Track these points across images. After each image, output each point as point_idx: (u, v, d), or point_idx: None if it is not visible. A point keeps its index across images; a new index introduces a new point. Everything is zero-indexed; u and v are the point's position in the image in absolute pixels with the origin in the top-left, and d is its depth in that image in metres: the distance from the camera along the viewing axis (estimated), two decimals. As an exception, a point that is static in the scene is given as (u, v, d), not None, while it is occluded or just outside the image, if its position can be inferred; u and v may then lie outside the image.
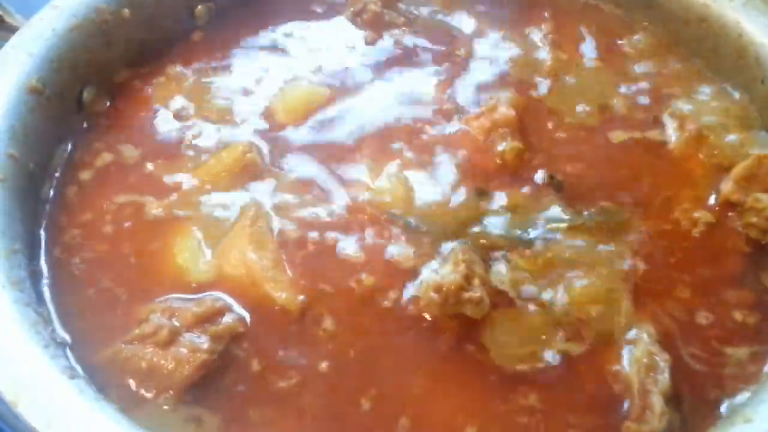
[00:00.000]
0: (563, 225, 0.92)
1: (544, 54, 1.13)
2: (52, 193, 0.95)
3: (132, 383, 0.77)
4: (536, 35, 1.16)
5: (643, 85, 1.08)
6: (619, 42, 1.15)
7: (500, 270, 0.88)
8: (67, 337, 0.80)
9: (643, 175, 0.99)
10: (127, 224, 0.93)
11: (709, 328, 0.85)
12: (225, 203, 0.95)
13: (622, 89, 1.08)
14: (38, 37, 0.98)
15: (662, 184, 0.98)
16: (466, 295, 0.84)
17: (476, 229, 0.93)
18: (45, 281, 0.85)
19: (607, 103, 1.06)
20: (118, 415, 0.68)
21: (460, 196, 0.96)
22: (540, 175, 0.97)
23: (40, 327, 0.74)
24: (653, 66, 1.12)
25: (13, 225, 0.82)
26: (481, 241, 0.91)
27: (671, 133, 1.02)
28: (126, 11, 1.06)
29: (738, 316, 0.86)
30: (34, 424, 0.63)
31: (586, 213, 0.94)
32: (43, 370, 0.69)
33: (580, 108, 1.06)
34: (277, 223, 0.93)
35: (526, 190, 0.97)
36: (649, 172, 0.99)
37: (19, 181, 0.87)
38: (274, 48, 1.15)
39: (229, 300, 0.85)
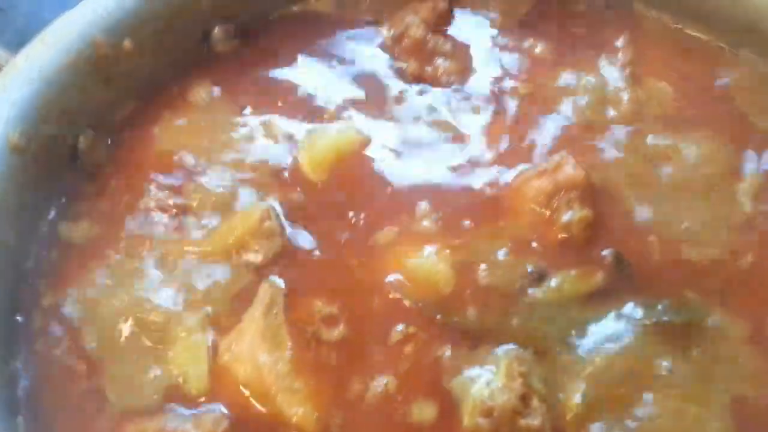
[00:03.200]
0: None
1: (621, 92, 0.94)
2: (34, 266, 0.82)
3: None
4: (610, 67, 0.97)
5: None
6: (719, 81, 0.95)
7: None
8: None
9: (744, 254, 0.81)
10: (119, 304, 0.78)
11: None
12: (234, 284, 0.80)
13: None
14: (22, 80, 0.84)
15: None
16: (523, 422, 0.69)
17: (531, 325, 0.76)
18: (22, 385, 0.73)
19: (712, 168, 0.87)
20: None
21: (514, 280, 0.79)
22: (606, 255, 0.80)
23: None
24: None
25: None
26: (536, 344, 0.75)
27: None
28: (127, 43, 0.91)
29: None
30: None
31: (660, 307, 0.77)
32: None
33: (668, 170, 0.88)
34: (296, 313, 0.77)
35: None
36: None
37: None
38: (299, 83, 0.98)
39: (233, 418, 0.71)
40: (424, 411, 0.72)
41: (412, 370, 0.74)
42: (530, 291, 0.79)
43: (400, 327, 0.76)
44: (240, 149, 0.91)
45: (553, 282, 0.79)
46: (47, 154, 0.85)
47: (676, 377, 0.72)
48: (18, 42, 0.88)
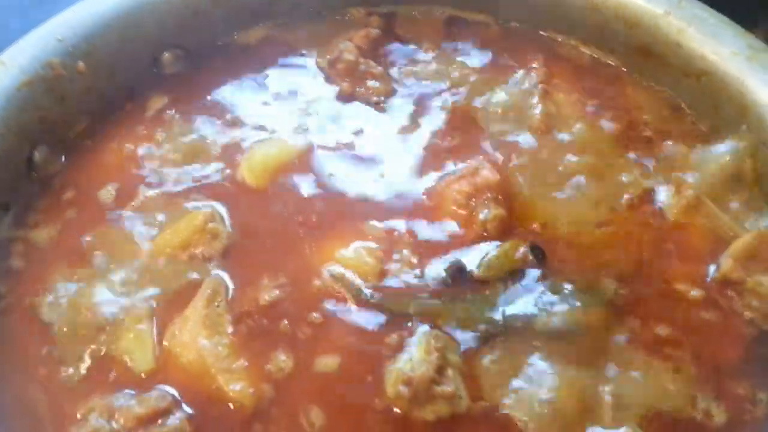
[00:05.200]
0: (546, 307, 0.84)
1: (534, 107, 1.05)
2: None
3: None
4: (525, 83, 1.07)
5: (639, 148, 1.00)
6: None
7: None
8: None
9: (636, 246, 0.91)
10: (71, 301, 0.85)
11: (706, 420, 0.77)
12: (179, 279, 0.87)
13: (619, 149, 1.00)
14: (-19, 96, 0.91)
15: (656, 256, 0.90)
16: (438, 389, 0.76)
17: (455, 308, 0.85)
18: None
19: (596, 160, 0.98)
20: None
21: (437, 270, 0.88)
22: (521, 248, 0.89)
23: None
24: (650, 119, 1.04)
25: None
26: (460, 324, 0.83)
27: (668, 199, 0.94)
28: (81, 64, 0.99)
29: (738, 413, 0.78)
30: None
31: (567, 289, 0.86)
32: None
33: (565, 166, 0.98)
34: (235, 304, 0.85)
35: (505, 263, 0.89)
36: (643, 241, 0.91)
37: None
38: (242, 101, 1.07)
39: (177, 395, 0.77)
40: (352, 385, 0.79)
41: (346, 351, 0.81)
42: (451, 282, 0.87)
43: (332, 308, 0.84)
44: (186, 160, 0.99)
45: (481, 264, 0.87)
46: (4, 165, 0.92)
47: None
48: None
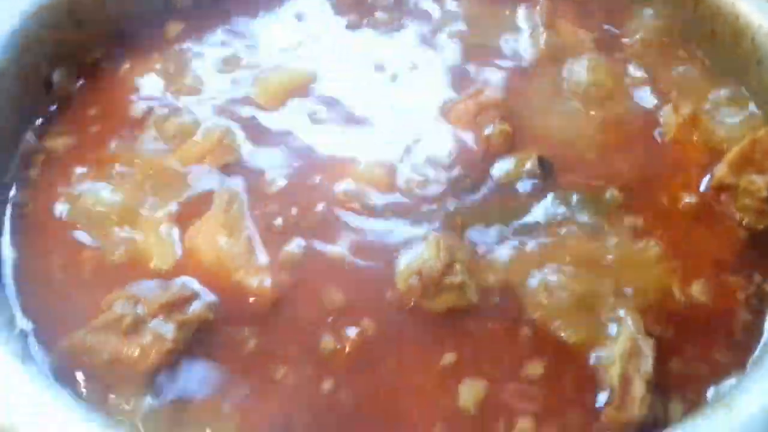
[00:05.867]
0: (554, 213, 0.88)
1: (538, 36, 1.09)
2: (17, 174, 0.91)
3: (93, 374, 0.73)
4: (530, 17, 1.11)
5: (640, 73, 1.04)
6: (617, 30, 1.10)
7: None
8: (29, 324, 0.77)
9: (635, 160, 0.95)
10: (93, 207, 0.88)
11: (700, 314, 0.81)
12: (197, 188, 0.91)
13: (619, 74, 1.04)
14: (5, 15, 0.94)
15: (655, 169, 0.94)
16: (447, 280, 0.80)
17: (463, 216, 0.88)
18: (8, 263, 0.82)
19: (602, 84, 1.01)
20: (73, 402, 0.64)
21: (446, 182, 0.92)
22: (529, 159, 0.92)
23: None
24: (649, 51, 1.08)
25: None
26: (468, 229, 0.87)
27: (666, 116, 0.98)
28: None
29: (729, 302, 0.82)
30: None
31: (575, 198, 0.90)
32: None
33: (572, 90, 1.02)
34: (251, 210, 0.88)
35: (514, 174, 0.92)
36: (642, 156, 0.95)
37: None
38: (252, 32, 1.10)
39: (198, 287, 0.81)
40: (365, 276, 0.83)
41: (359, 243, 0.85)
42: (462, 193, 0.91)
43: (345, 215, 0.87)
44: (200, 85, 1.02)
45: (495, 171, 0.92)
46: (24, 83, 0.95)
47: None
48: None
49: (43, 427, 0.63)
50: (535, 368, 0.76)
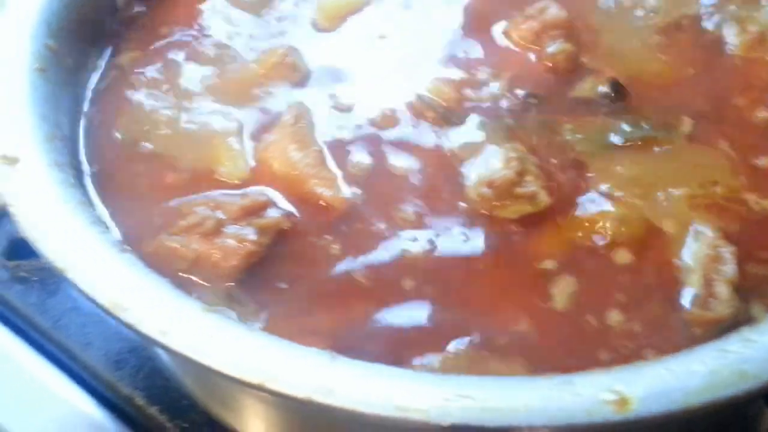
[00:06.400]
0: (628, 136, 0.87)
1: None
2: (87, 92, 0.92)
3: (179, 273, 0.75)
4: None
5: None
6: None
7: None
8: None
9: (705, 81, 0.94)
10: (166, 123, 0.89)
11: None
12: (266, 103, 0.92)
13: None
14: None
15: (726, 89, 0.93)
16: (519, 190, 0.81)
17: (530, 129, 0.89)
18: (87, 175, 0.83)
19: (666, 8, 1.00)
20: (172, 287, 0.66)
21: (513, 98, 0.92)
22: (600, 82, 0.92)
23: (86, 207, 0.71)
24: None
25: (54, 112, 0.79)
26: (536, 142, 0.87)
27: (732, 37, 0.97)
28: None
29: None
30: (85, 288, 0.60)
31: (646, 127, 0.89)
32: (91, 243, 0.66)
33: (637, 12, 1.01)
34: (321, 123, 0.89)
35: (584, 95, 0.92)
36: (711, 77, 0.94)
37: (59, 74, 0.84)
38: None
39: (274, 195, 0.82)
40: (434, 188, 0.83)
41: (429, 154, 0.85)
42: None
43: (413, 126, 0.88)
44: (258, 8, 1.03)
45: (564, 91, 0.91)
46: (92, 5, 0.96)
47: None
48: None
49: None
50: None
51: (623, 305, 0.74)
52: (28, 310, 1.02)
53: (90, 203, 0.76)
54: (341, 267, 0.77)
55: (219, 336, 0.60)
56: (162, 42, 0.98)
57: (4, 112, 0.74)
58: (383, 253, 0.78)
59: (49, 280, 1.02)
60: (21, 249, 0.99)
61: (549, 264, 0.77)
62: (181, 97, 0.92)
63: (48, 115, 0.76)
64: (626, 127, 0.88)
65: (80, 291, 0.60)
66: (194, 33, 0.99)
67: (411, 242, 0.78)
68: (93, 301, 0.60)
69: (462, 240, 0.79)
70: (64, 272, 0.60)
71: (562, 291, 0.75)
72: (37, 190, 0.68)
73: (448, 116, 0.90)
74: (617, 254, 0.78)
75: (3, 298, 1.03)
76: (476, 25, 1.01)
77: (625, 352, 0.70)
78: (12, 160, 0.68)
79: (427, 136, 0.88)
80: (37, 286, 1.03)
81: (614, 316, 0.73)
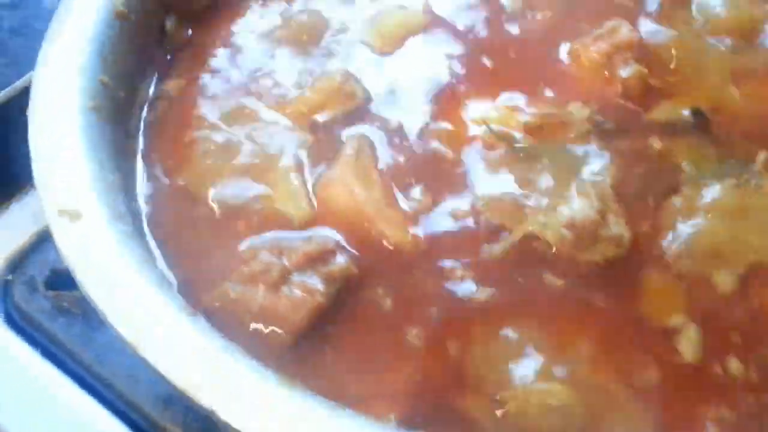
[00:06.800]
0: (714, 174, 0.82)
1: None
2: (140, 125, 0.88)
3: (244, 325, 0.70)
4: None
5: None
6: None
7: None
8: (172, 278, 0.74)
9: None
10: (219, 159, 0.85)
11: None
12: (324, 135, 0.87)
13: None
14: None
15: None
16: (603, 232, 0.75)
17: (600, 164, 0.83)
18: (144, 219, 0.79)
19: (743, 19, 0.94)
20: (245, 358, 0.61)
21: (585, 125, 0.86)
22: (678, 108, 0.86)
23: (150, 264, 0.67)
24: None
25: (110, 156, 0.75)
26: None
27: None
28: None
29: None
30: (159, 368, 0.56)
31: (733, 161, 0.83)
32: (161, 309, 0.61)
33: (708, 29, 0.95)
34: (384, 156, 0.84)
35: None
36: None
37: (111, 110, 0.80)
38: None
39: (338, 238, 0.77)
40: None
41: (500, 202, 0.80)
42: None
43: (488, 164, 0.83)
44: (305, 35, 0.98)
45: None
46: (142, 28, 0.91)
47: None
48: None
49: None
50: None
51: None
52: (71, 343, 0.98)
53: (151, 256, 0.71)
54: (397, 325, 0.72)
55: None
56: (209, 71, 0.93)
57: (60, 159, 0.69)
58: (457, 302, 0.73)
59: (92, 313, 0.98)
60: (62, 279, 0.95)
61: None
62: (233, 132, 0.87)
63: (103, 158, 0.72)
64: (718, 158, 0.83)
65: (156, 373, 0.56)
66: (236, 66, 0.94)
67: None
68: (167, 382, 0.55)
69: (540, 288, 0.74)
70: (137, 349, 0.56)
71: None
72: (97, 248, 0.64)
73: (519, 148, 0.85)
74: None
75: (45, 329, 0.99)
76: (544, 45, 0.95)
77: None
78: (73, 215, 0.63)
79: (498, 171, 0.83)
80: (80, 318, 0.99)
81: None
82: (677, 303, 0.73)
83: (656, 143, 0.85)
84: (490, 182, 0.82)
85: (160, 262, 0.74)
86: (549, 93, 0.91)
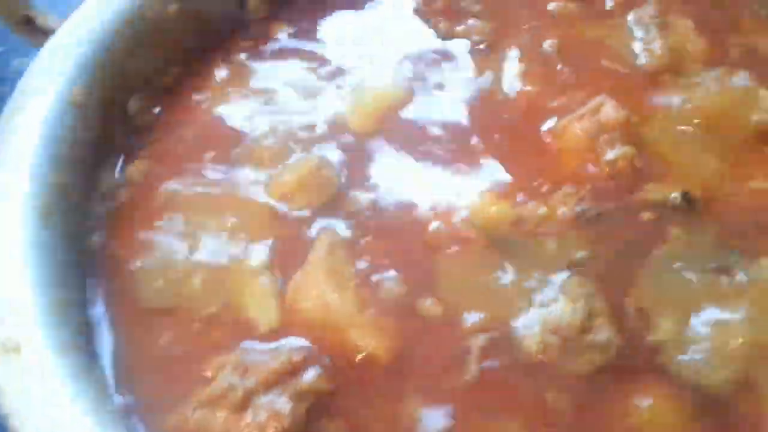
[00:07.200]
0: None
1: (652, 41, 0.97)
2: (99, 224, 0.83)
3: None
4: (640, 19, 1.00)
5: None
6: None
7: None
8: (128, 402, 0.69)
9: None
10: (184, 255, 0.80)
11: None
12: (297, 230, 0.82)
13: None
14: (77, 41, 0.86)
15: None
16: (589, 338, 0.71)
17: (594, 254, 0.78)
18: (97, 336, 0.73)
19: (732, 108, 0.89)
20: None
21: (569, 214, 0.82)
22: (667, 191, 0.82)
23: (101, 398, 0.62)
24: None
25: (61, 270, 0.70)
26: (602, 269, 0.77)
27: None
28: (173, 7, 0.93)
29: None
30: None
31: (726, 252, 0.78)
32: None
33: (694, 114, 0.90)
34: (357, 253, 0.79)
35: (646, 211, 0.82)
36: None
37: (65, 214, 0.75)
38: (338, 43, 1.00)
39: (309, 348, 0.72)
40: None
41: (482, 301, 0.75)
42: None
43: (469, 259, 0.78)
44: (286, 107, 0.93)
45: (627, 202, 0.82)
46: (102, 113, 0.87)
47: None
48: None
49: None
50: None
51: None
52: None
53: (101, 384, 0.66)
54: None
55: None
56: (175, 153, 0.88)
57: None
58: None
59: None
60: None
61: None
62: (197, 228, 0.82)
63: (54, 279, 0.66)
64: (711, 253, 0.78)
65: None
66: (203, 148, 0.89)
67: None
68: None
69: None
70: None
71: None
72: (36, 385, 0.58)
73: (498, 241, 0.80)
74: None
75: None
76: (525, 124, 0.91)
77: None
78: (11, 349, 0.58)
79: (477, 267, 0.78)
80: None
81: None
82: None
83: (644, 229, 0.80)
84: (467, 278, 0.77)
85: (112, 388, 0.68)
86: (532, 175, 0.86)
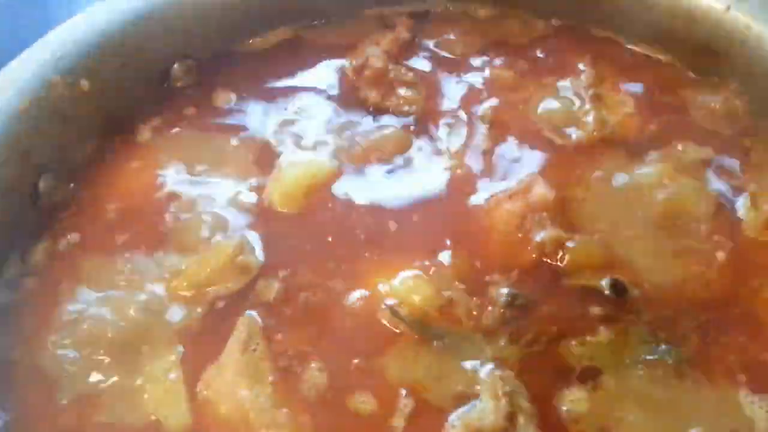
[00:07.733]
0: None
1: (584, 114, 0.96)
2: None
3: None
4: (573, 89, 0.99)
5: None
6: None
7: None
8: None
9: (717, 269, 0.82)
10: (88, 349, 0.75)
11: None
12: (211, 318, 0.78)
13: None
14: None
15: (744, 276, 0.81)
16: (513, 439, 0.68)
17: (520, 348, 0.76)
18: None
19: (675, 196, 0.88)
20: None
21: (494, 304, 0.79)
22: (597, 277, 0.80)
23: None
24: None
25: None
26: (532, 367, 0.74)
27: (744, 213, 0.85)
28: (84, 83, 0.89)
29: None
30: None
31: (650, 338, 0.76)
32: None
33: (631, 192, 0.88)
34: (275, 345, 0.75)
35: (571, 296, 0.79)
36: (725, 270, 0.82)
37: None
38: (263, 114, 0.97)
39: (217, 455, 0.68)
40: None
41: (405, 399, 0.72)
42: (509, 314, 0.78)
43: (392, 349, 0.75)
44: (205, 184, 0.90)
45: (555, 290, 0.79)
46: (7, 196, 0.82)
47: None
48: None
49: None
50: None
51: None
52: None
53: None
54: None
55: None
56: (82, 244, 0.84)
57: None
58: None
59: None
60: None
61: None
62: (103, 317, 0.77)
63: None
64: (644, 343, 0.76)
65: None
66: (120, 228, 0.86)
67: None
68: None
69: None
70: None
71: None
72: None
73: (422, 331, 0.77)
74: None
75: None
76: (455, 201, 0.88)
77: None
78: None
79: (401, 360, 0.75)
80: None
81: None
82: None
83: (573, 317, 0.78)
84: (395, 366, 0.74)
85: None
86: (461, 259, 0.83)
